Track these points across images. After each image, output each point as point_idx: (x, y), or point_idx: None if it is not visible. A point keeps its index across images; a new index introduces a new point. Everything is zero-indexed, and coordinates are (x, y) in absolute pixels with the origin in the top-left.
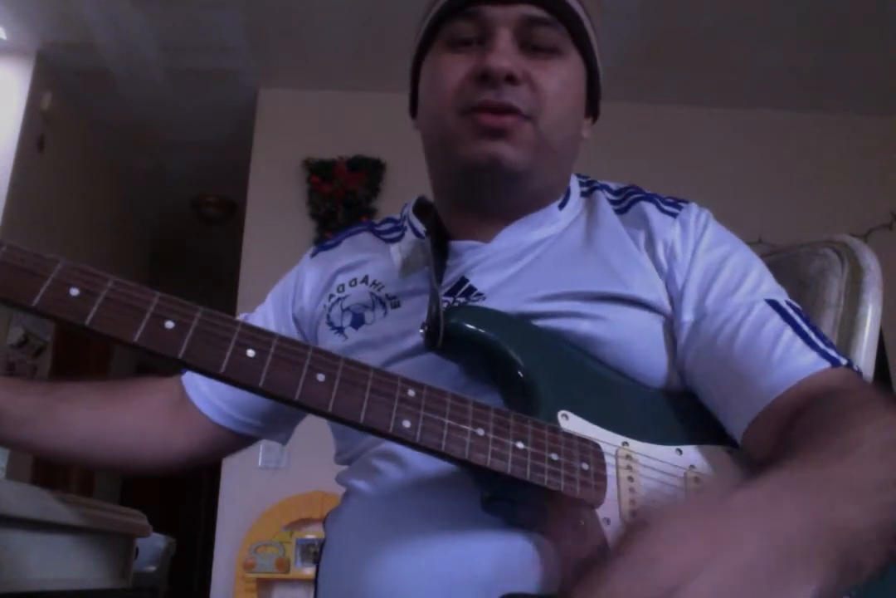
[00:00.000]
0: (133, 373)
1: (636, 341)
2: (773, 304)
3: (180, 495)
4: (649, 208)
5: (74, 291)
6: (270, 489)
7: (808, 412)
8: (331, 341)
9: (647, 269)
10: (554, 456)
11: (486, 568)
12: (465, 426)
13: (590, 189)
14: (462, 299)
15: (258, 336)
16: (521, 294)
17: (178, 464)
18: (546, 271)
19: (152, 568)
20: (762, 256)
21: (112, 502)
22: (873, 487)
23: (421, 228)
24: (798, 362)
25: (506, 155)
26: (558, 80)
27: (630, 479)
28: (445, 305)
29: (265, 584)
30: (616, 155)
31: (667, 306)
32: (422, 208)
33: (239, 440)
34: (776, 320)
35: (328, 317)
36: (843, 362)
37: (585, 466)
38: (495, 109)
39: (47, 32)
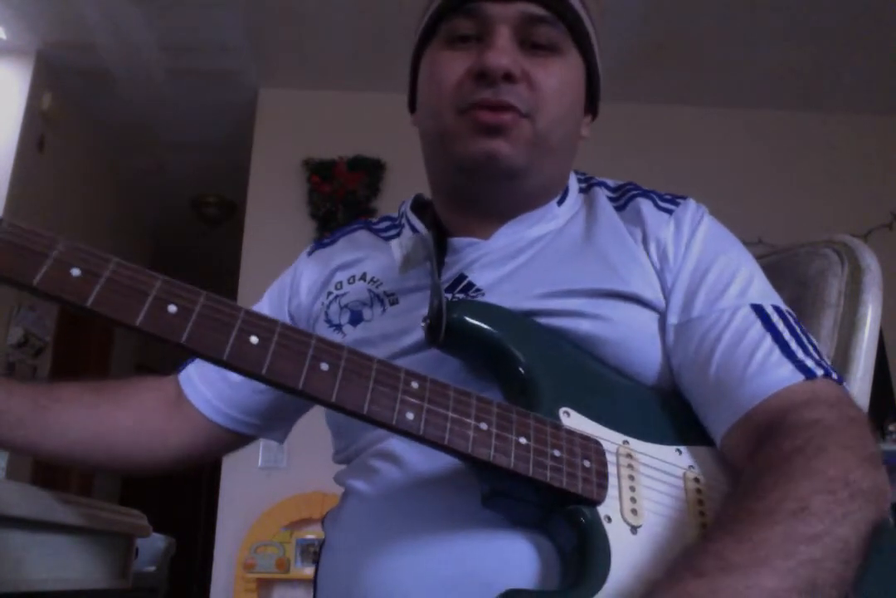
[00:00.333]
0: (132, 373)
1: (635, 339)
2: (758, 309)
3: (180, 496)
4: (645, 205)
5: (76, 272)
6: (270, 489)
7: (761, 452)
8: (329, 339)
9: (644, 265)
10: (556, 452)
11: (485, 567)
12: (468, 420)
13: (588, 186)
14: (461, 295)
15: (261, 323)
16: (521, 291)
17: (174, 463)
18: (545, 268)
19: (152, 568)
20: (762, 257)
21: (112, 502)
22: (788, 551)
23: (419, 225)
24: (771, 375)
25: (503, 152)
26: (557, 78)
27: (631, 477)
28: (446, 300)
29: (265, 584)
30: (616, 155)
31: (662, 304)
32: (419, 206)
33: (236, 439)
34: (757, 327)
35: (326, 314)
36: (819, 373)
37: (587, 463)
38: (493, 107)
39: (47, 32)
